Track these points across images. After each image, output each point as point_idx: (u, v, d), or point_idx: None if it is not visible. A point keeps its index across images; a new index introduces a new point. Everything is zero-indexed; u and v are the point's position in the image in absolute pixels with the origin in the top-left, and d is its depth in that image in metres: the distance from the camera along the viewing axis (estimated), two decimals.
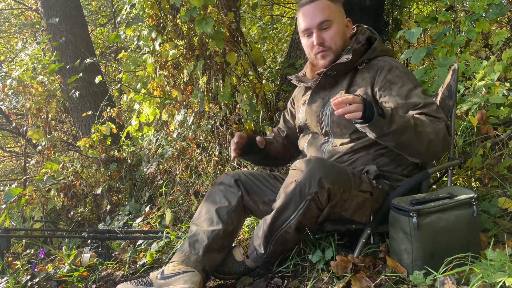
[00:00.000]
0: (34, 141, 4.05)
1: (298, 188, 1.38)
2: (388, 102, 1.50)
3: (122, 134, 3.44)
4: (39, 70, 4.48)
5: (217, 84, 2.71)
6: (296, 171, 1.40)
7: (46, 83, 4.03)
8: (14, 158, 6.75)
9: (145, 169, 3.08)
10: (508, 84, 2.11)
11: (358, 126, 1.36)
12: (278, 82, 3.46)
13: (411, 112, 1.46)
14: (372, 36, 1.64)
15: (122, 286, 1.49)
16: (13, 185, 3.48)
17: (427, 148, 1.41)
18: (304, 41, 1.64)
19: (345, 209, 1.46)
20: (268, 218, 1.46)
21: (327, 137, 1.63)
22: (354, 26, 1.71)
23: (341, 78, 1.62)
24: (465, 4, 3.40)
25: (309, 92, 1.72)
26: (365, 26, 1.68)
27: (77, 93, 3.74)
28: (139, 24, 2.87)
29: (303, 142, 1.75)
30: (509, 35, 2.45)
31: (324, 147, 1.61)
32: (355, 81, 1.59)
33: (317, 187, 1.35)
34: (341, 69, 1.59)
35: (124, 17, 3.02)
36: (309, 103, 1.68)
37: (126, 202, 3.18)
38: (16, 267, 2.47)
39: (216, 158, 2.73)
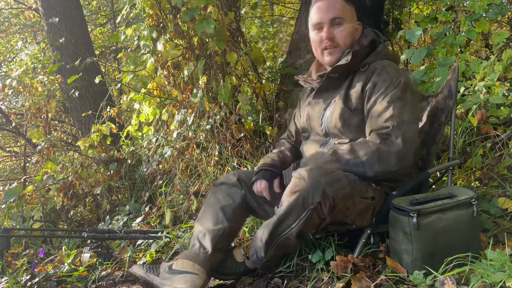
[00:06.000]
0: (34, 141, 4.04)
1: (300, 198, 1.37)
2: (366, 108, 1.52)
3: (122, 134, 3.44)
4: (39, 70, 4.47)
5: (217, 84, 2.71)
6: (299, 180, 1.39)
7: (46, 83, 4.03)
8: (14, 158, 6.74)
9: (145, 169, 3.08)
10: (508, 84, 2.10)
11: None
12: (278, 82, 3.46)
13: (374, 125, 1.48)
14: (377, 40, 1.63)
15: (135, 268, 1.58)
16: (13, 185, 3.48)
17: (370, 169, 1.43)
18: (313, 36, 1.64)
19: (347, 216, 1.47)
20: (270, 224, 1.45)
21: (327, 138, 1.64)
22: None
23: (344, 80, 1.62)
24: (465, 4, 3.40)
25: (313, 94, 1.72)
26: (371, 29, 1.67)
27: (76, 93, 3.73)
28: (140, 24, 2.87)
29: (304, 143, 1.75)
30: (509, 35, 2.44)
31: (324, 146, 1.62)
32: (353, 84, 1.59)
33: (321, 197, 1.34)
34: (343, 71, 1.58)
35: (124, 17, 3.02)
36: (312, 105, 1.69)
37: (126, 202, 3.18)
38: (16, 267, 2.47)
39: (216, 158, 2.72)
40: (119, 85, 3.69)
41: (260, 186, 1.64)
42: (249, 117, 2.67)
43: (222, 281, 1.67)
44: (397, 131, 1.42)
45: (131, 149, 3.30)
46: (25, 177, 4.45)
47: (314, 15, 1.61)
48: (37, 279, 2.07)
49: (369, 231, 1.53)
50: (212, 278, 1.66)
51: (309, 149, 1.69)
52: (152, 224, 2.61)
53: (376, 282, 1.34)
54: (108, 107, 3.31)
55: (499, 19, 3.08)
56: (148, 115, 3.18)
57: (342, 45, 1.58)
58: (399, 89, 1.48)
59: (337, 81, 1.62)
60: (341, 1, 1.59)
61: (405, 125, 1.43)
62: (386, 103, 1.46)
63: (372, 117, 1.49)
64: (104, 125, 3.28)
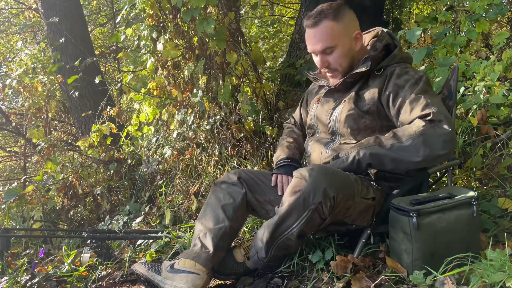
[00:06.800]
0: (34, 141, 4.04)
1: (301, 198, 1.37)
2: (394, 108, 1.50)
3: (122, 134, 3.43)
4: (39, 70, 4.47)
5: (217, 84, 2.71)
6: (300, 179, 1.39)
7: (46, 83, 4.02)
8: (14, 158, 6.73)
9: (145, 169, 3.08)
10: (508, 84, 2.10)
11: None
12: (278, 82, 3.46)
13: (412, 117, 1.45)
14: (392, 43, 1.63)
15: (136, 265, 1.57)
16: (13, 185, 3.48)
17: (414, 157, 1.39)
18: (313, 57, 1.65)
19: (347, 216, 1.47)
20: (271, 224, 1.46)
21: (334, 137, 1.64)
22: (374, 29, 1.69)
23: (356, 81, 1.63)
24: (465, 4, 3.40)
25: (323, 91, 1.73)
26: (385, 30, 1.67)
27: (76, 93, 3.73)
28: (140, 24, 2.87)
29: (309, 140, 1.76)
30: (509, 35, 2.45)
31: (329, 145, 1.62)
32: (367, 85, 1.59)
33: (322, 197, 1.34)
34: (359, 76, 1.60)
35: (124, 17, 3.02)
36: (322, 103, 1.70)
37: (126, 202, 3.17)
38: (16, 267, 2.47)
39: (216, 158, 2.72)
40: (119, 85, 3.69)
41: (281, 180, 1.66)
42: (249, 117, 2.67)
43: (222, 281, 1.67)
44: (439, 115, 1.38)
45: (131, 149, 3.30)
46: (25, 177, 4.45)
47: (307, 42, 1.61)
48: (37, 279, 2.07)
49: (369, 231, 1.53)
50: (212, 278, 1.66)
51: (313, 147, 1.69)
52: (152, 224, 2.61)
53: (376, 282, 1.34)
54: (108, 107, 3.30)
55: (499, 19, 3.08)
56: (148, 115, 3.18)
57: (339, 68, 1.60)
58: (423, 83, 1.48)
59: (351, 83, 1.63)
60: (330, 25, 1.52)
61: (444, 111, 1.42)
62: (416, 95, 1.45)
63: (405, 112, 1.46)
64: (104, 125, 3.27)
